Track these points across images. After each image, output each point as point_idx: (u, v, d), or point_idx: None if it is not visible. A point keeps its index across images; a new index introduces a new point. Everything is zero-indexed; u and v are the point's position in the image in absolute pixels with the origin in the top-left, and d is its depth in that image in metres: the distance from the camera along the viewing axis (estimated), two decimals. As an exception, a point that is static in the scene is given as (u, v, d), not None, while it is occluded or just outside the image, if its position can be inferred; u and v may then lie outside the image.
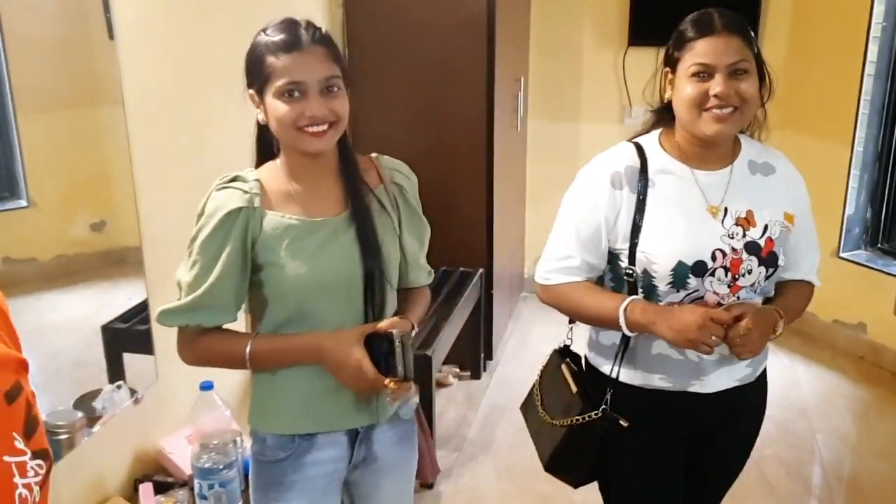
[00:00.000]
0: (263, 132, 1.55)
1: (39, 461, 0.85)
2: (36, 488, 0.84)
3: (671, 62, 1.60)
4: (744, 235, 1.58)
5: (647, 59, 4.36)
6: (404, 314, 1.59)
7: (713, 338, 1.48)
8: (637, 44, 4.33)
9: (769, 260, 1.59)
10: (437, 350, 2.89)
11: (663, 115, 1.67)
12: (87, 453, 2.00)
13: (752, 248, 1.58)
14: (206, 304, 1.46)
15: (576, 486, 1.82)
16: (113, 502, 2.09)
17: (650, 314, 1.54)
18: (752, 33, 1.58)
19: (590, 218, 1.63)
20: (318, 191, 1.51)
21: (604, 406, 1.65)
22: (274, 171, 1.52)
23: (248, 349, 1.48)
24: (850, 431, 3.39)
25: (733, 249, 1.57)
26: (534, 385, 1.85)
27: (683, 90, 1.54)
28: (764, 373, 1.78)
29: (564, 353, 1.81)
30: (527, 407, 1.86)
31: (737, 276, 1.57)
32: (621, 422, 1.64)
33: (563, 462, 1.75)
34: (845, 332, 4.09)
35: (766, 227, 1.60)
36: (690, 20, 1.59)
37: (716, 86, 1.51)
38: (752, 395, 1.77)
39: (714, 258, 1.56)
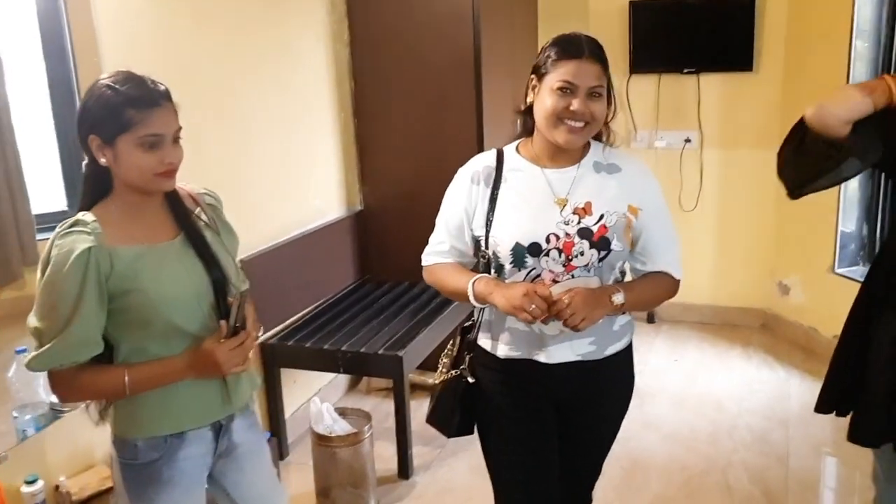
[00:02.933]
0: (96, 174, 1.68)
1: None
2: None
3: (539, 74, 1.83)
4: (579, 222, 1.83)
5: (649, 85, 4.59)
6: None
7: (533, 307, 1.72)
8: (638, 71, 4.55)
9: (600, 243, 1.83)
10: (409, 352, 3.18)
11: (527, 123, 1.92)
12: (75, 423, 2.39)
13: (584, 233, 1.82)
14: (76, 342, 1.61)
15: (448, 437, 2.08)
16: (96, 470, 2.48)
17: (490, 286, 1.82)
18: (607, 63, 1.83)
19: (455, 209, 1.95)
20: (150, 221, 1.73)
21: (462, 366, 1.98)
22: (108, 209, 1.68)
23: (125, 380, 1.66)
24: (826, 441, 3.47)
25: (566, 234, 1.82)
26: (442, 357, 2.12)
27: (546, 101, 1.79)
28: (620, 357, 1.97)
29: (466, 329, 2.05)
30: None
31: (570, 257, 1.82)
32: (468, 378, 1.97)
33: (437, 415, 2.05)
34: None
35: (601, 216, 1.84)
36: (564, 41, 1.82)
37: (576, 103, 1.77)
38: (607, 373, 1.95)
39: (548, 241, 1.82)
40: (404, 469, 3.27)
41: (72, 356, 1.63)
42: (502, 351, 1.93)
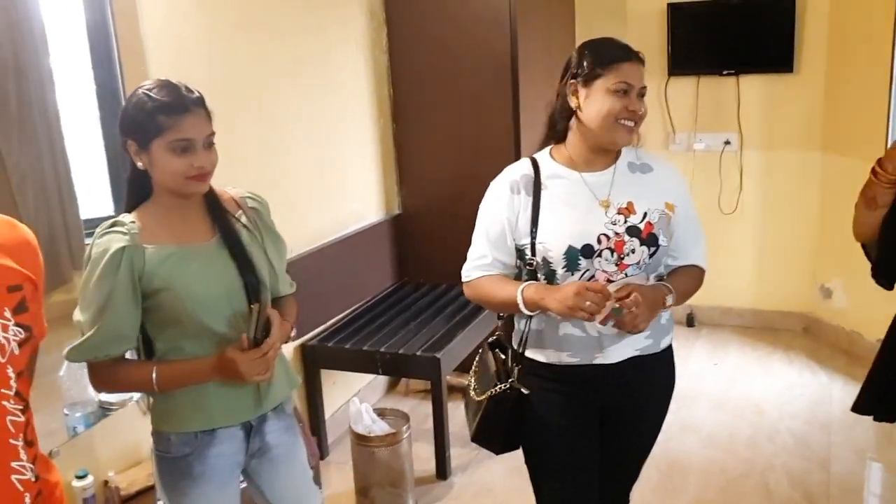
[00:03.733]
0: (137, 178, 1.77)
1: (20, 329, 1.30)
2: (14, 344, 1.29)
3: (587, 77, 1.83)
4: (625, 222, 1.86)
5: (688, 87, 4.57)
6: (285, 320, 1.91)
7: (588, 304, 1.72)
8: (677, 73, 4.53)
9: (649, 240, 1.86)
10: (446, 354, 3.22)
11: (555, 131, 1.93)
12: (123, 420, 2.47)
13: (633, 231, 1.86)
14: (109, 337, 1.69)
15: (497, 453, 2.08)
16: (143, 465, 2.55)
17: (541, 291, 1.83)
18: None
19: (495, 221, 1.94)
20: (188, 222, 1.80)
21: (511, 379, 1.93)
22: (148, 211, 1.77)
23: (154, 377, 1.73)
24: (869, 446, 3.42)
25: (616, 233, 1.85)
26: (470, 373, 2.13)
27: (602, 103, 1.81)
28: (670, 349, 2.02)
29: (494, 344, 2.08)
30: (465, 392, 2.14)
31: (622, 256, 1.84)
32: (523, 390, 1.92)
33: (484, 431, 2.02)
34: None
35: (645, 214, 1.88)
36: (613, 45, 1.87)
37: (633, 104, 1.82)
38: (657, 370, 2.00)
39: (599, 241, 1.84)
40: (442, 470, 3.31)
41: (105, 350, 1.71)
42: (557, 358, 1.92)
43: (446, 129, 3.99)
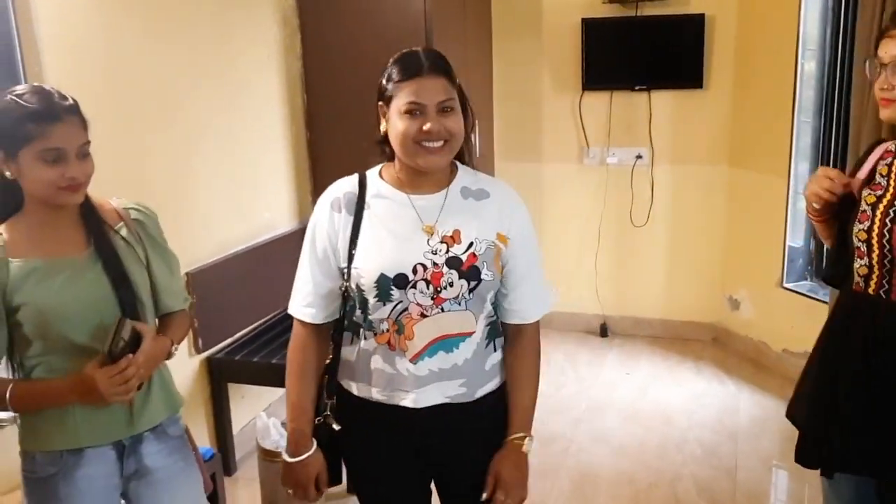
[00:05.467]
0: (7, 188, 1.67)
1: None
2: None
3: (384, 98, 1.70)
4: (447, 252, 1.70)
5: (601, 102, 4.65)
6: (165, 335, 1.82)
7: None
8: (591, 88, 4.60)
9: (470, 273, 1.70)
10: (358, 366, 3.15)
11: (384, 149, 1.78)
12: (8, 440, 2.33)
13: (453, 262, 1.69)
14: None
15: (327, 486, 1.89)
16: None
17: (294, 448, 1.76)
18: (454, 72, 1.72)
19: (316, 241, 1.77)
20: (61, 235, 1.72)
21: (326, 412, 1.80)
22: (19, 223, 1.69)
23: (6, 394, 1.65)
24: (774, 454, 3.51)
25: (434, 264, 1.68)
26: None
27: (398, 126, 1.66)
28: (493, 398, 1.81)
29: (327, 370, 1.87)
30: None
31: (439, 289, 1.68)
32: (334, 426, 1.79)
33: None
34: (794, 360, 4.20)
35: (470, 244, 1.71)
36: (402, 60, 1.70)
37: (427, 122, 1.63)
38: (476, 419, 1.80)
39: (415, 271, 1.68)
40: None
41: None
42: (368, 393, 1.77)
43: (361, 138, 3.91)
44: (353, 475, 1.90)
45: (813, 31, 3.98)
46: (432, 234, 1.71)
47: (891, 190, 1.85)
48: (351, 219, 1.73)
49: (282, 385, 3.25)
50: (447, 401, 1.75)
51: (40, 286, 1.65)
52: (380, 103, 1.73)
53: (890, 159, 1.89)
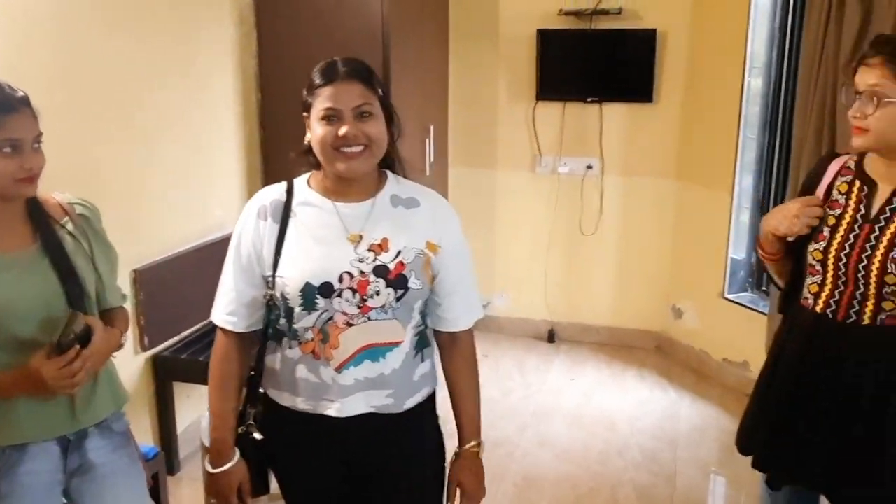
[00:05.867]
0: None
1: None
2: None
3: (306, 107, 1.71)
4: (374, 260, 1.70)
5: (555, 112, 4.71)
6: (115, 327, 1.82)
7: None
8: (545, 98, 4.67)
9: (397, 282, 1.70)
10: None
11: (309, 158, 1.77)
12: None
13: (380, 271, 1.69)
14: None
15: (252, 496, 1.87)
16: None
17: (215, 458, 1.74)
18: (376, 79, 1.72)
19: (240, 248, 1.75)
20: (7, 229, 1.71)
21: (249, 422, 1.79)
22: None
23: None
24: (713, 461, 3.60)
25: (361, 272, 1.68)
26: None
27: (316, 133, 1.67)
28: (421, 410, 1.82)
29: (250, 379, 1.85)
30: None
31: (365, 298, 1.68)
32: (255, 435, 1.78)
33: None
34: (733, 370, 4.32)
35: (398, 253, 1.71)
36: (318, 69, 1.71)
37: (343, 127, 1.64)
38: (405, 430, 1.80)
39: (341, 280, 1.67)
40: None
41: None
42: (292, 402, 1.76)
43: (315, 140, 3.94)
44: (281, 484, 1.88)
45: (760, 49, 4.10)
46: (359, 243, 1.71)
47: (850, 211, 1.89)
48: (276, 227, 1.72)
49: (229, 385, 3.26)
50: (373, 410, 1.74)
51: None
52: (304, 114, 1.72)
53: (850, 177, 1.92)
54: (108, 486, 1.84)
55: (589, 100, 4.61)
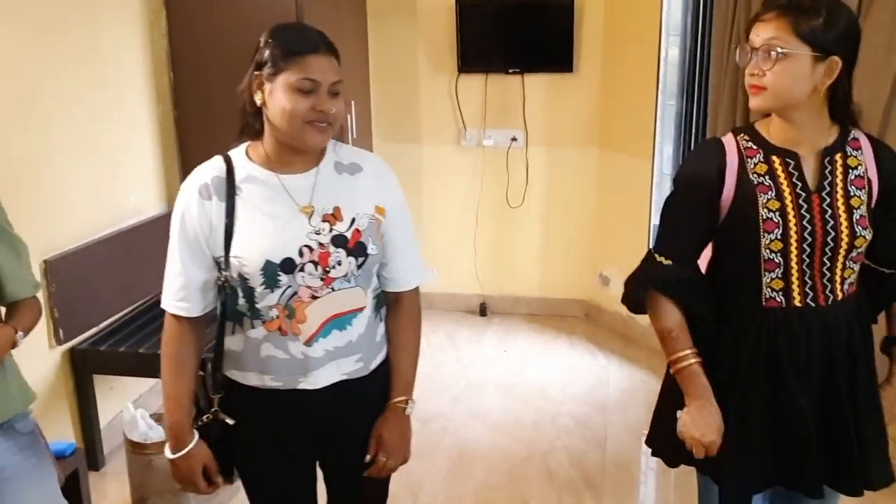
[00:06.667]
0: None
1: None
2: None
3: (267, 69, 1.63)
4: (331, 230, 1.68)
5: (477, 84, 4.69)
6: (8, 324, 1.74)
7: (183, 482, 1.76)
8: (466, 70, 4.64)
9: (357, 250, 1.70)
10: (232, 353, 3.09)
11: (250, 124, 1.72)
12: None
13: (338, 240, 1.68)
14: None
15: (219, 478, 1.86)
16: None
17: (176, 442, 1.73)
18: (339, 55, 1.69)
19: (188, 229, 1.69)
20: None
21: (214, 408, 1.76)
22: None
23: None
24: (642, 424, 3.67)
25: (320, 244, 1.66)
26: None
27: (285, 102, 1.60)
28: (385, 368, 1.85)
29: (203, 364, 1.81)
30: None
31: (328, 269, 1.67)
32: (227, 420, 1.75)
33: None
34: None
35: (353, 220, 1.71)
36: (291, 33, 1.65)
37: (322, 103, 1.60)
38: (370, 390, 1.83)
39: (301, 254, 1.65)
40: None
41: None
42: (260, 381, 1.74)
43: (231, 118, 3.81)
44: (240, 462, 1.84)
45: (675, 17, 4.14)
46: (312, 214, 1.69)
47: (786, 189, 1.72)
48: (223, 205, 1.66)
49: (152, 375, 3.20)
50: (344, 377, 1.76)
51: None
52: (256, 73, 1.65)
53: (760, 156, 1.74)
54: (16, 489, 1.76)
55: (510, 71, 4.60)
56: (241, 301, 1.69)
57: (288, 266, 1.65)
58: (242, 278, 1.66)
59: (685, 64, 4.19)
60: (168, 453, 1.74)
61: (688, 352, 1.78)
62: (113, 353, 3.14)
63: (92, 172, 3.31)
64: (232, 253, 1.65)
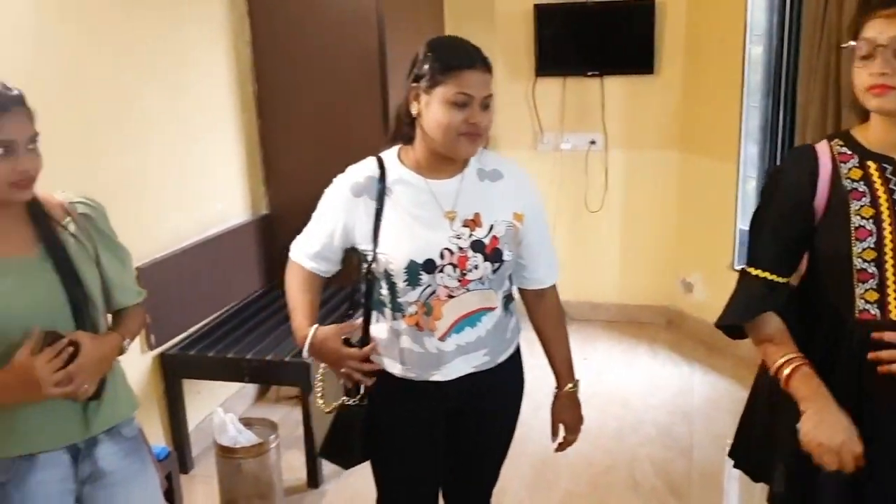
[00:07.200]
0: None
1: None
2: None
3: (428, 83, 1.72)
4: (470, 235, 1.79)
5: (555, 88, 4.66)
6: (115, 331, 1.77)
7: (343, 370, 1.80)
8: (544, 74, 4.61)
9: (493, 256, 1.80)
10: (316, 358, 3.13)
11: (404, 131, 1.83)
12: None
13: (477, 246, 1.79)
14: None
15: (346, 468, 2.02)
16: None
17: (328, 343, 1.80)
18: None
19: (330, 219, 1.86)
20: (7, 234, 1.65)
21: (361, 394, 1.86)
22: None
23: None
24: (727, 432, 3.57)
25: (460, 248, 1.77)
26: (318, 378, 2.01)
27: (441, 115, 1.70)
28: (510, 362, 1.96)
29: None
30: (314, 398, 2.02)
31: (465, 272, 1.78)
32: (367, 381, 1.83)
33: (333, 447, 1.93)
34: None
35: (491, 227, 1.81)
36: (450, 48, 1.75)
37: (475, 116, 1.70)
38: (497, 381, 1.94)
39: (442, 256, 1.77)
40: (314, 478, 3.22)
41: None
42: (396, 370, 1.87)
43: (314, 126, 3.90)
44: (377, 451, 1.95)
45: (759, 16, 4.03)
46: (454, 219, 1.80)
47: (882, 195, 1.61)
48: (374, 204, 1.80)
49: (239, 379, 3.26)
50: (473, 370, 1.88)
51: None
52: (414, 84, 1.76)
53: (855, 161, 1.65)
54: (122, 492, 1.80)
55: (589, 74, 4.56)
56: (384, 292, 1.83)
57: (429, 266, 1.77)
58: (387, 274, 1.79)
59: (770, 64, 4.07)
60: (304, 354, 1.84)
61: (794, 355, 1.66)
62: (202, 357, 3.21)
63: (181, 181, 3.40)
64: (379, 249, 1.78)
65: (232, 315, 3.60)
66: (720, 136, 4.22)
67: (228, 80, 3.74)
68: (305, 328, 1.84)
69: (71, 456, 1.72)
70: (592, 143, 4.68)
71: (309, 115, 3.89)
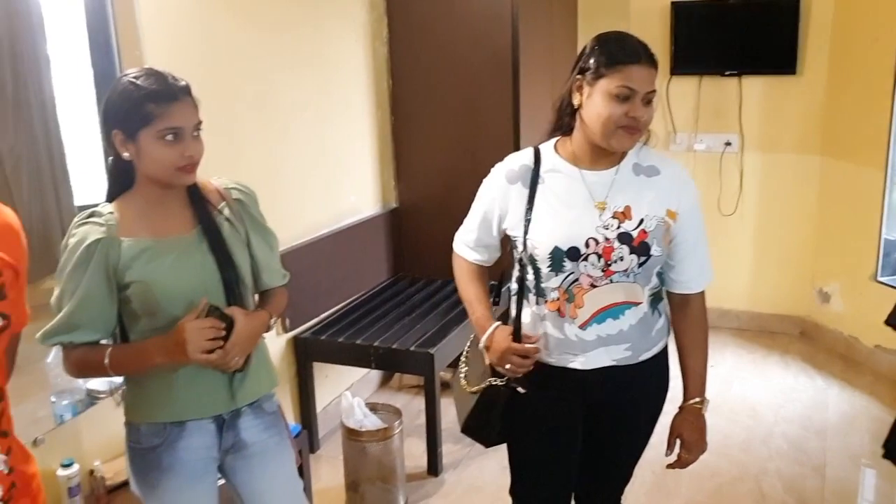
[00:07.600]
0: (120, 168, 1.73)
1: None
2: None
3: (592, 75, 1.74)
4: (618, 227, 1.79)
5: (690, 87, 4.55)
6: (264, 309, 1.86)
7: (508, 366, 1.84)
8: (679, 72, 4.50)
9: (640, 249, 1.79)
10: (440, 350, 3.19)
11: (563, 122, 1.85)
12: (111, 409, 2.44)
13: (624, 238, 1.79)
14: (74, 325, 1.68)
15: (487, 446, 2.08)
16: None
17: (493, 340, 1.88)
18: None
19: (486, 206, 1.93)
20: (169, 215, 1.76)
21: (507, 376, 1.90)
22: (129, 202, 1.74)
23: (105, 359, 1.70)
24: (864, 452, 3.40)
25: (606, 239, 1.78)
26: (460, 359, 2.10)
27: (602, 107, 1.72)
28: (655, 360, 1.94)
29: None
30: (453, 378, 2.12)
31: (609, 262, 1.79)
32: (519, 389, 1.89)
33: (475, 424, 2.01)
34: (887, 357, 4.06)
35: (641, 221, 1.80)
36: (617, 42, 1.75)
37: (635, 110, 1.71)
38: (639, 379, 1.93)
39: (587, 245, 1.78)
40: (433, 466, 3.28)
41: (69, 336, 1.69)
42: (542, 357, 1.89)
43: (445, 124, 3.96)
44: (517, 434, 2.00)
45: (918, 14, 3.81)
46: (604, 210, 1.81)
47: None
48: (526, 191, 1.85)
49: (366, 365, 3.36)
50: (613, 363, 1.88)
51: (150, 265, 1.69)
52: (579, 77, 1.78)
53: None
54: (260, 464, 1.90)
55: (727, 73, 4.42)
56: (530, 277, 1.87)
57: (573, 254, 1.79)
58: (532, 259, 1.84)
59: (928, 65, 3.83)
60: (481, 344, 1.92)
61: None
62: (332, 342, 3.33)
63: (320, 172, 3.54)
64: (528, 235, 1.83)
65: (361, 303, 3.72)
66: (866, 140, 4.01)
67: (365, 77, 3.86)
68: (487, 320, 1.92)
69: (216, 426, 1.83)
70: (728, 144, 4.54)
71: (440, 114, 3.96)
